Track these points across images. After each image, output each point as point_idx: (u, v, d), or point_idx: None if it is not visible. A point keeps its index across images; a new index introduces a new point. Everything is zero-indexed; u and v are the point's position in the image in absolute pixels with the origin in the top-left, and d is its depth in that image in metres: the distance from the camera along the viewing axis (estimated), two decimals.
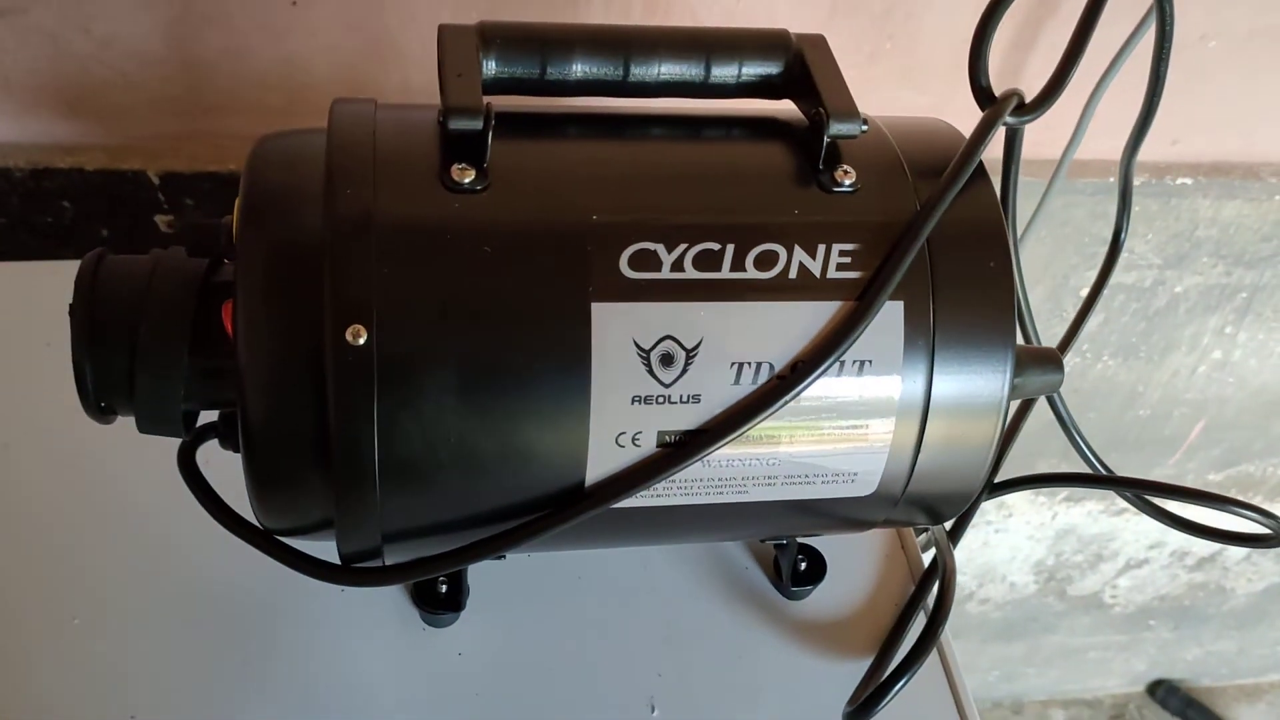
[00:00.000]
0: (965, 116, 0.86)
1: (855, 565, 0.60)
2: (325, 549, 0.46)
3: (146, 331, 0.43)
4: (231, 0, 0.71)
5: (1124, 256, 1.01)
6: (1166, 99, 0.58)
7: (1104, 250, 1.00)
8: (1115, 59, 0.75)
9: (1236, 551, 1.43)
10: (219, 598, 0.55)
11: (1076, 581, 1.44)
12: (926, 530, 0.60)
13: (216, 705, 0.52)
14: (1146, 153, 0.82)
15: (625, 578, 0.58)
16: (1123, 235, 0.67)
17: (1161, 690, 1.68)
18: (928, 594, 0.57)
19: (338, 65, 0.75)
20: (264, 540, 0.46)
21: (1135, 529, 1.36)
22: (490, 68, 0.45)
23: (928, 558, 0.61)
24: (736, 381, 0.42)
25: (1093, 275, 1.03)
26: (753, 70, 0.47)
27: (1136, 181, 0.94)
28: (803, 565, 0.58)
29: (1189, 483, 1.31)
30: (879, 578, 0.59)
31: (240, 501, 0.46)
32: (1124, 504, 1.27)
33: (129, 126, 0.77)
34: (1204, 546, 1.41)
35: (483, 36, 0.45)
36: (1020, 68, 0.84)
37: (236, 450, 0.47)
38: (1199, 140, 0.94)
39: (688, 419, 0.43)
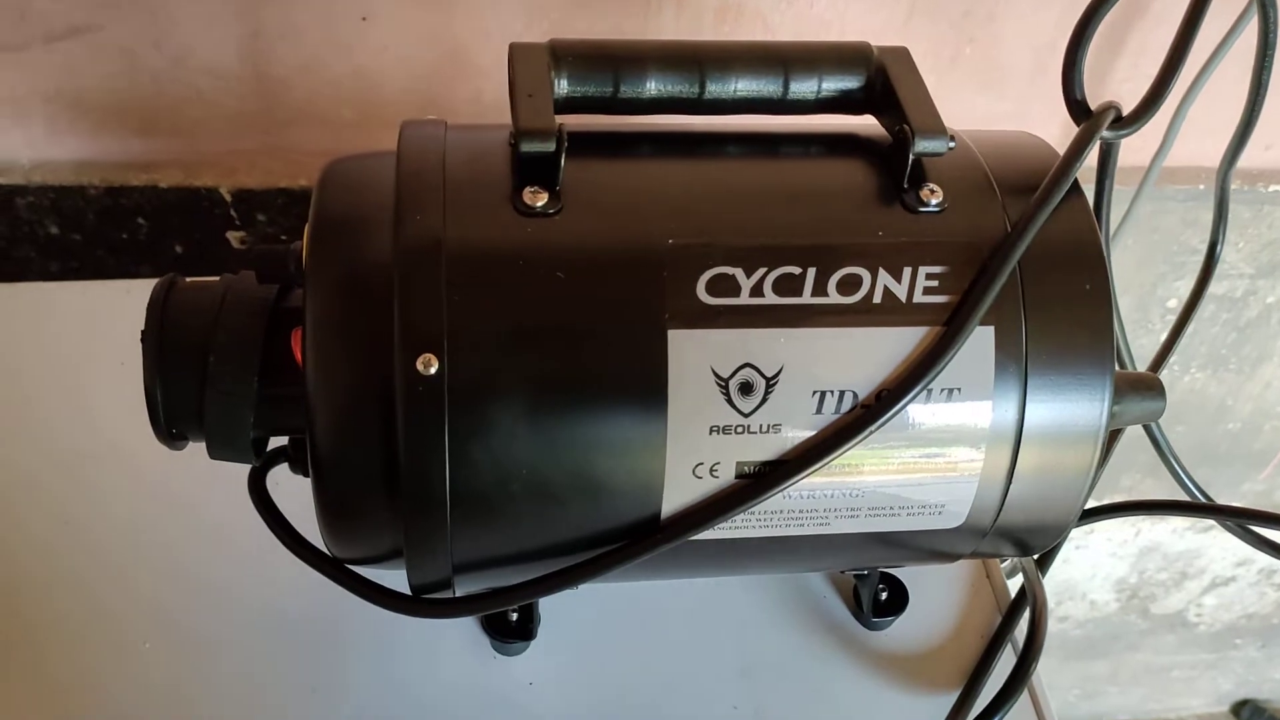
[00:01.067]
0: (1047, 123, 0.84)
1: (938, 595, 0.57)
2: (397, 577, 0.45)
3: (216, 360, 0.42)
4: (303, 16, 0.71)
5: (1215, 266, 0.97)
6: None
7: (1194, 260, 0.97)
8: (1210, 60, 0.72)
9: None
10: (289, 623, 0.55)
11: (1160, 600, 1.40)
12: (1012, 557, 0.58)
13: None
14: (1246, 157, 0.79)
15: (701, 607, 0.56)
16: (1219, 248, 0.64)
17: (1247, 710, 1.63)
18: (1014, 626, 0.55)
19: (409, 78, 0.75)
20: (335, 569, 0.46)
21: (1222, 546, 1.32)
22: (562, 86, 0.44)
23: (1013, 584, 0.59)
24: (818, 411, 0.41)
25: (1181, 285, 1.00)
26: (833, 85, 0.45)
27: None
28: (884, 595, 0.56)
29: (1279, 500, 1.26)
30: (963, 608, 0.57)
31: (311, 526, 0.45)
32: (1158, 514, 1.23)
33: (202, 142, 0.77)
34: None
35: (554, 55, 0.44)
36: (1106, 72, 0.81)
37: (306, 475, 0.47)
38: None
39: (768, 450, 0.41)
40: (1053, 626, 1.39)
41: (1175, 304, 0.99)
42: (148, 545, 0.57)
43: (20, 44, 0.70)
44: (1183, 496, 0.59)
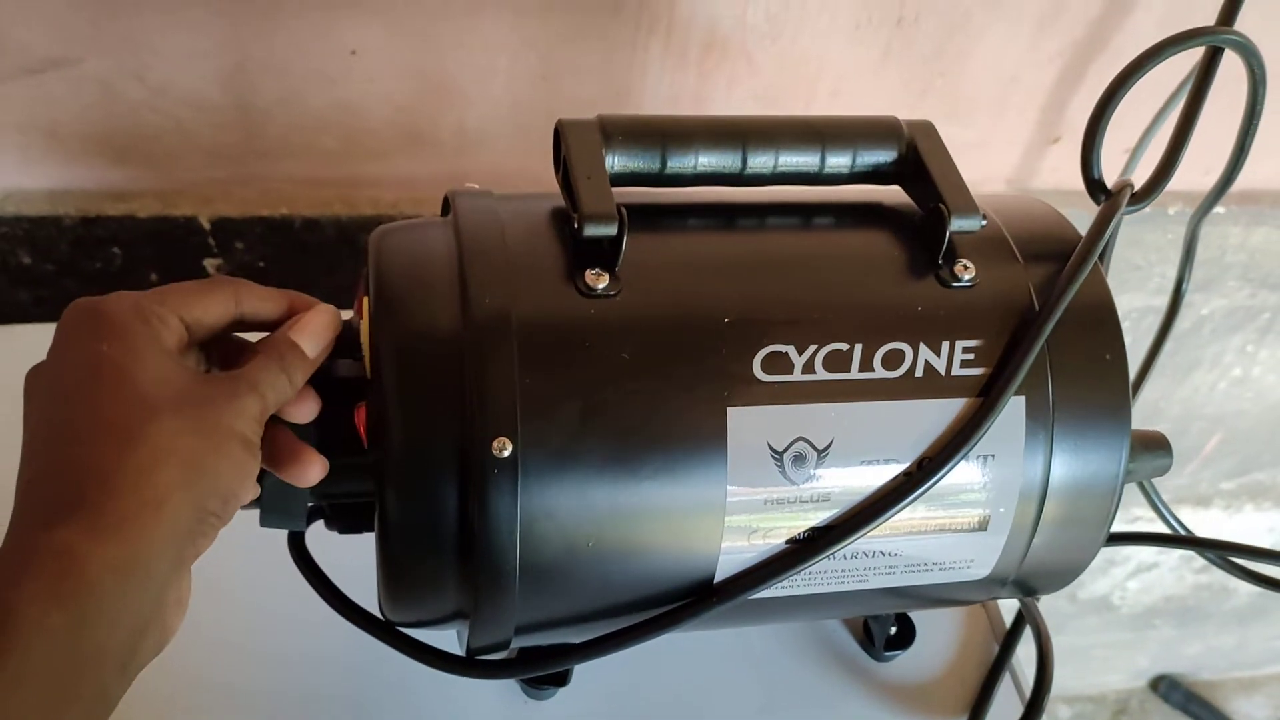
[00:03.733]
0: (1008, 150, 0.87)
1: (938, 626, 0.61)
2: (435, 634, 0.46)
3: None
4: (290, 49, 0.70)
5: (1154, 281, 1.02)
6: (1201, 129, 0.57)
7: (1136, 275, 1.02)
8: (1169, 101, 0.76)
9: None
10: (318, 678, 0.55)
11: (1088, 585, 1.47)
12: None
13: None
14: (1182, 181, 0.83)
15: (722, 646, 0.58)
16: (1185, 284, 0.68)
17: (1164, 685, 1.72)
18: (1011, 654, 0.58)
19: (394, 109, 0.75)
20: (388, 634, 0.47)
21: None
22: (613, 163, 0.45)
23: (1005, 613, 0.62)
24: (865, 479, 0.43)
25: (1124, 300, 1.04)
26: (867, 159, 0.47)
27: (1170, 211, 0.96)
28: (893, 630, 0.59)
29: (1203, 491, 1.33)
30: (962, 638, 0.60)
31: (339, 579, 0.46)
32: (1138, 510, 1.29)
33: (181, 172, 0.76)
34: None
35: (604, 131, 0.45)
36: (1064, 103, 0.85)
37: (344, 532, 0.48)
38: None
39: (817, 516, 0.43)
40: None
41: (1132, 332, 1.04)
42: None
43: None
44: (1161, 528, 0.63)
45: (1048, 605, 0.61)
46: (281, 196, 0.79)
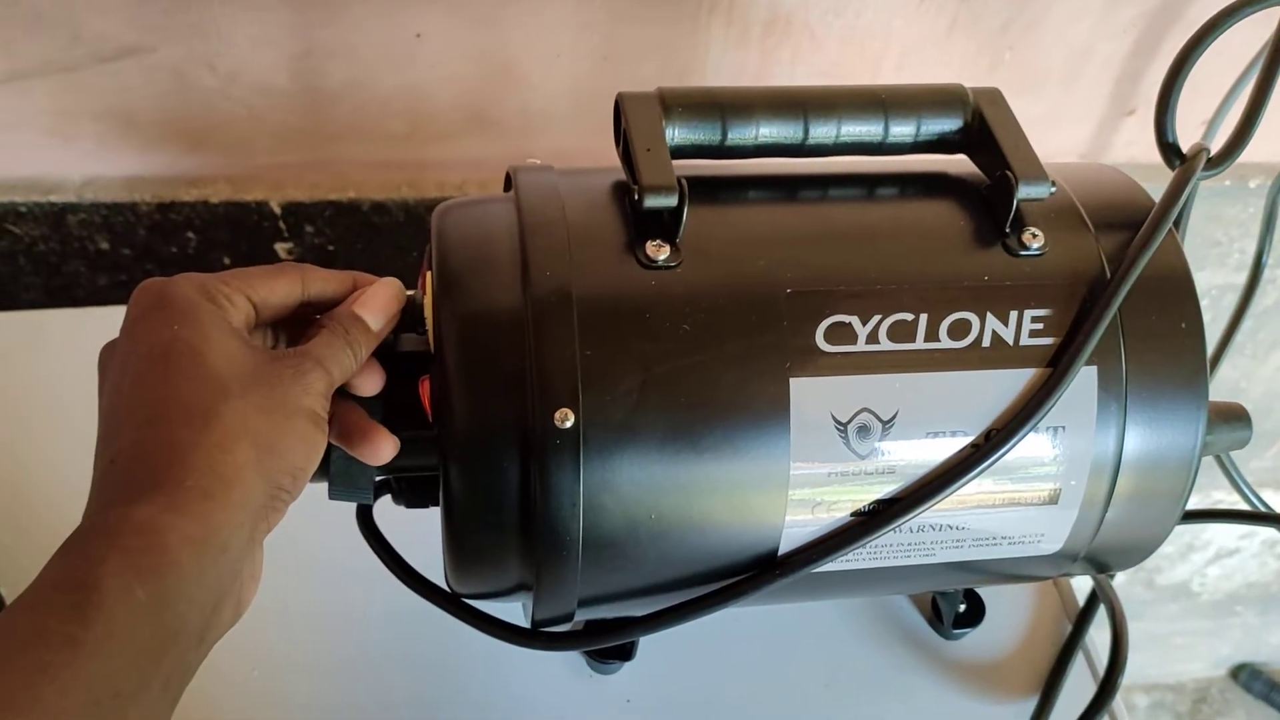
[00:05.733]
0: (1080, 124, 0.85)
1: (1009, 604, 0.60)
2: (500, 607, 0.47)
3: None
4: (356, 34, 0.71)
5: (1235, 258, 1.00)
6: None
7: (1215, 252, 0.99)
8: (1249, 68, 0.73)
9: None
10: (385, 652, 0.56)
11: (1166, 571, 1.44)
12: None
13: None
14: (1261, 154, 0.81)
15: (786, 623, 0.58)
16: (1265, 256, 0.66)
17: (1245, 674, 1.67)
18: (1085, 633, 0.57)
19: (459, 93, 0.76)
20: (454, 605, 0.47)
21: None
22: (673, 135, 0.45)
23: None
24: (931, 451, 0.43)
25: (1203, 277, 1.02)
26: (931, 128, 0.46)
27: (1250, 184, 0.93)
28: (962, 608, 0.58)
29: None
30: (1033, 617, 0.59)
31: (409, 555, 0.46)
32: (1219, 494, 1.26)
33: (252, 157, 0.78)
34: None
35: (664, 104, 0.45)
36: (1139, 74, 0.83)
37: (411, 507, 0.49)
38: None
39: (882, 488, 0.43)
40: None
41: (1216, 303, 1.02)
42: None
43: (72, 65, 0.70)
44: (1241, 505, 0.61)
45: (1124, 592, 0.60)
46: (349, 180, 0.80)
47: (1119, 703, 0.55)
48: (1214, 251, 0.97)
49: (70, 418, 0.36)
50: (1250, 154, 0.71)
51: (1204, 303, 0.45)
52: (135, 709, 0.30)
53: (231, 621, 0.36)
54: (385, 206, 0.80)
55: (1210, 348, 0.47)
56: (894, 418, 0.42)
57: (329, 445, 0.44)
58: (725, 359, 0.41)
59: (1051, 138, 0.86)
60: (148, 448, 0.34)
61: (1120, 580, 1.44)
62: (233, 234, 0.80)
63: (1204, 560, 1.43)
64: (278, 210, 0.79)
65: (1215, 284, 1.00)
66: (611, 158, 0.47)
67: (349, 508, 0.50)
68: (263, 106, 0.75)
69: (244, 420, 0.35)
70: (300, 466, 0.38)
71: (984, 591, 0.59)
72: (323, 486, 0.46)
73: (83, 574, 0.30)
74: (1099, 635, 0.60)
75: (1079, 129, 0.86)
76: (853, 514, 0.43)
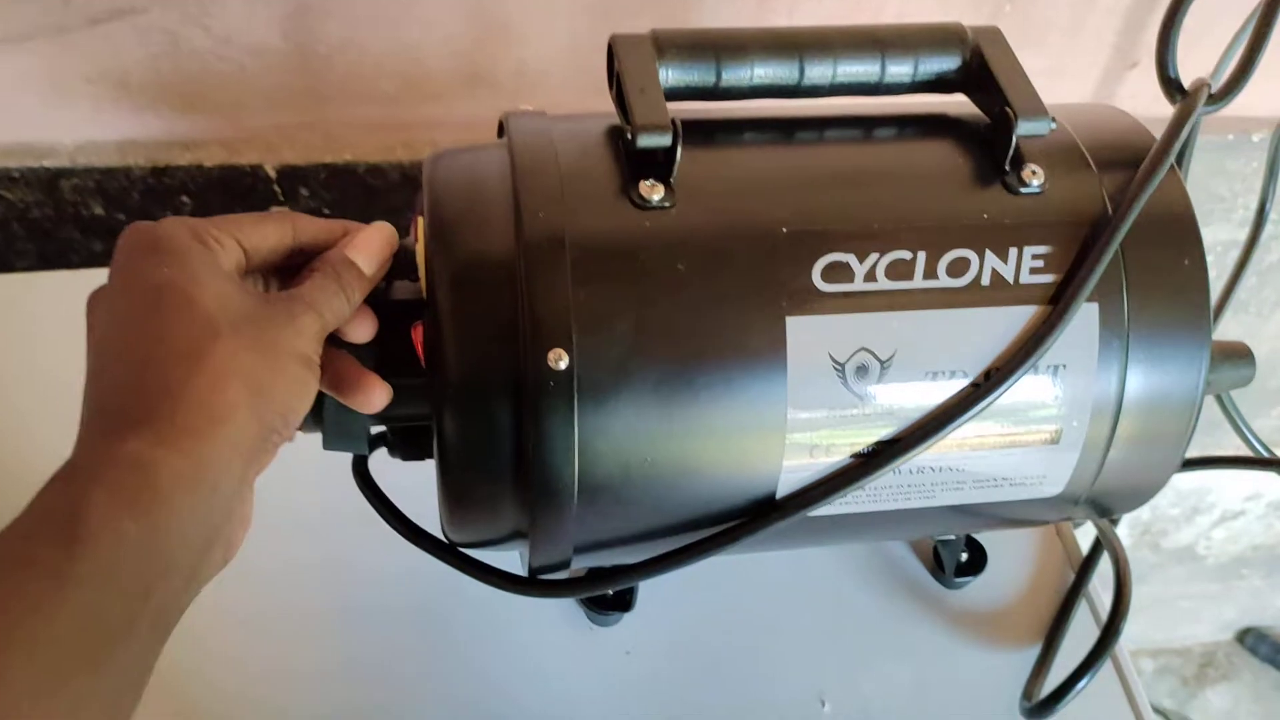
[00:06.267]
0: (1084, 77, 0.84)
1: (1012, 553, 0.59)
2: (499, 557, 0.46)
3: None
4: None
5: (1239, 213, 0.99)
6: None
7: (1220, 207, 0.98)
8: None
9: None
10: (384, 604, 0.56)
11: (1171, 535, 1.43)
12: None
13: (390, 707, 0.53)
14: (1265, 107, 0.80)
15: (786, 574, 0.58)
16: (1268, 204, 0.65)
17: (1251, 637, 1.67)
18: (1088, 581, 0.57)
19: (453, 52, 0.75)
20: (451, 554, 0.47)
21: (1233, 482, 1.35)
22: (667, 77, 0.44)
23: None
24: (930, 391, 0.42)
25: (1208, 233, 1.01)
26: (929, 67, 0.46)
27: (1254, 138, 0.92)
28: (964, 556, 0.57)
29: None
30: (1035, 565, 0.59)
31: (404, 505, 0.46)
32: (1225, 469, 1.26)
33: (246, 120, 0.77)
34: None
35: (657, 45, 0.44)
36: (1142, 25, 0.82)
37: (407, 459, 0.48)
38: None
39: (881, 429, 0.42)
40: None
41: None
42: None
43: (62, 27, 0.70)
44: (1243, 451, 0.61)
45: (1130, 555, 0.59)
46: (345, 142, 0.79)
47: (1125, 656, 0.55)
48: (1219, 207, 0.96)
49: (64, 380, 0.36)
50: (1254, 107, 0.71)
51: (1209, 259, 0.45)
52: (123, 644, 0.30)
53: (222, 564, 0.36)
54: (381, 169, 0.80)
55: (1214, 302, 0.46)
56: (892, 357, 0.42)
57: (322, 395, 0.43)
58: (721, 299, 0.41)
59: (1054, 91, 0.85)
60: (137, 386, 0.34)
61: (1125, 544, 1.44)
62: (227, 198, 0.79)
63: (1209, 523, 1.42)
64: (272, 173, 0.79)
65: (1220, 239, 0.99)
66: (610, 115, 0.46)
67: (345, 461, 0.49)
68: (256, 67, 0.74)
69: (235, 360, 0.35)
70: (292, 408, 0.37)
71: (986, 540, 0.58)
72: (319, 439, 0.46)
73: (70, 507, 0.30)
74: (1103, 588, 0.60)
75: (1081, 82, 0.85)
76: (851, 455, 0.43)
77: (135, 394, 0.34)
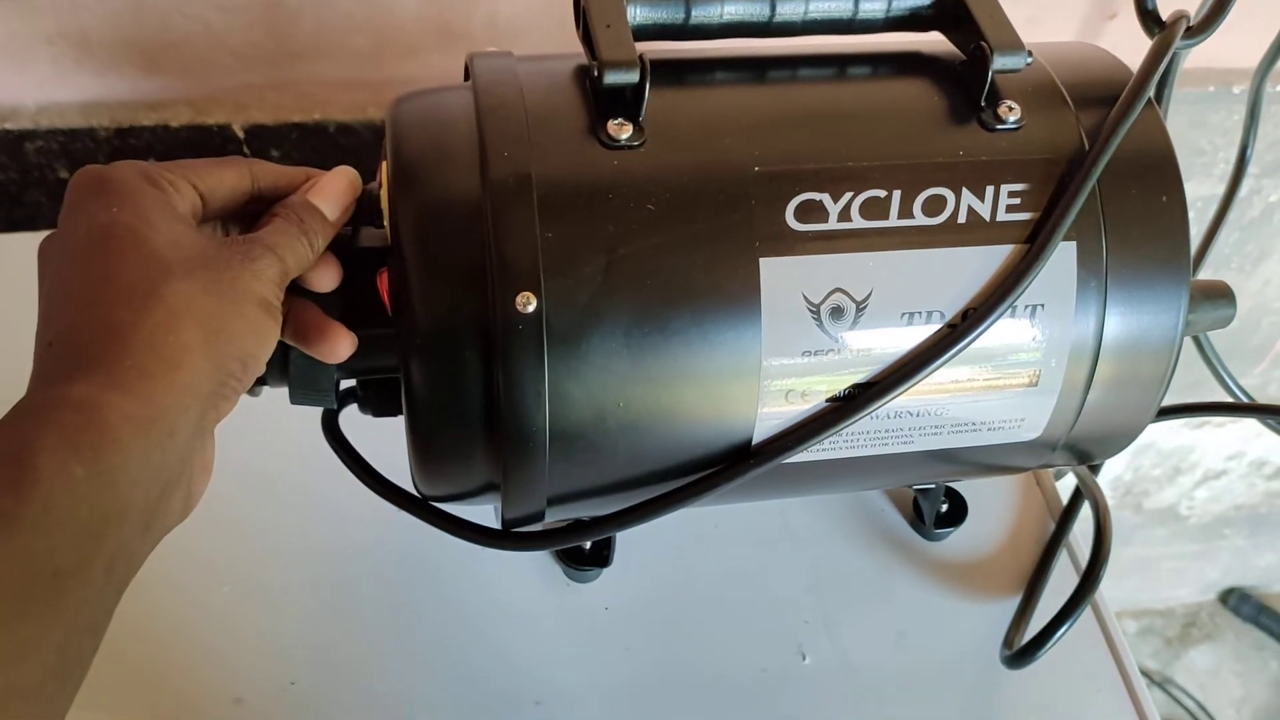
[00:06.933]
0: (1062, 25, 0.83)
1: (991, 504, 0.59)
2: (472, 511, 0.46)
3: None
4: None
5: (1220, 168, 0.98)
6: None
7: (1200, 161, 0.98)
8: None
9: None
10: (362, 562, 0.55)
11: (1154, 495, 1.43)
12: None
13: (368, 667, 0.52)
14: (1246, 58, 0.79)
15: (764, 526, 0.57)
16: (1249, 152, 0.64)
17: (1234, 598, 1.68)
18: (1068, 531, 0.56)
19: (423, 5, 0.73)
20: (423, 509, 0.46)
21: (1215, 440, 1.35)
22: (634, 14, 0.43)
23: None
24: (907, 332, 0.41)
25: (1190, 187, 1.01)
26: (903, 3, 0.45)
27: (1235, 90, 0.92)
28: (944, 507, 0.57)
29: (1273, 393, 1.29)
30: (1016, 515, 0.59)
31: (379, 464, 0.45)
32: (1204, 416, 1.25)
33: (212, 78, 0.75)
34: None
35: None
36: None
37: (378, 415, 0.47)
38: None
39: (858, 372, 0.42)
40: None
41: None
42: (222, 491, 0.57)
43: None
44: (1224, 397, 0.60)
45: (1114, 517, 0.59)
46: (315, 101, 0.78)
47: (1107, 605, 0.54)
48: (1199, 161, 0.96)
49: (29, 343, 0.35)
50: (1235, 58, 0.70)
51: (1190, 214, 0.44)
52: (76, 588, 0.29)
53: (182, 514, 0.35)
54: (352, 128, 0.78)
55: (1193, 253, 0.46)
56: (868, 298, 0.41)
57: (288, 347, 0.42)
58: (692, 239, 0.40)
59: (1031, 40, 0.85)
60: (86, 329, 0.33)
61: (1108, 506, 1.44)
62: (195, 158, 0.78)
63: (1191, 483, 1.43)
64: (241, 134, 0.77)
65: (1201, 195, 0.98)
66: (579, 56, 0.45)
67: (315, 417, 0.48)
68: (221, 23, 0.72)
69: (189, 302, 0.34)
70: (251, 353, 0.36)
71: (966, 490, 0.58)
72: (286, 393, 0.45)
73: (17, 450, 0.29)
74: (1084, 539, 0.59)
75: (1060, 33, 0.84)
76: (828, 400, 0.42)
77: (84, 336, 0.33)
